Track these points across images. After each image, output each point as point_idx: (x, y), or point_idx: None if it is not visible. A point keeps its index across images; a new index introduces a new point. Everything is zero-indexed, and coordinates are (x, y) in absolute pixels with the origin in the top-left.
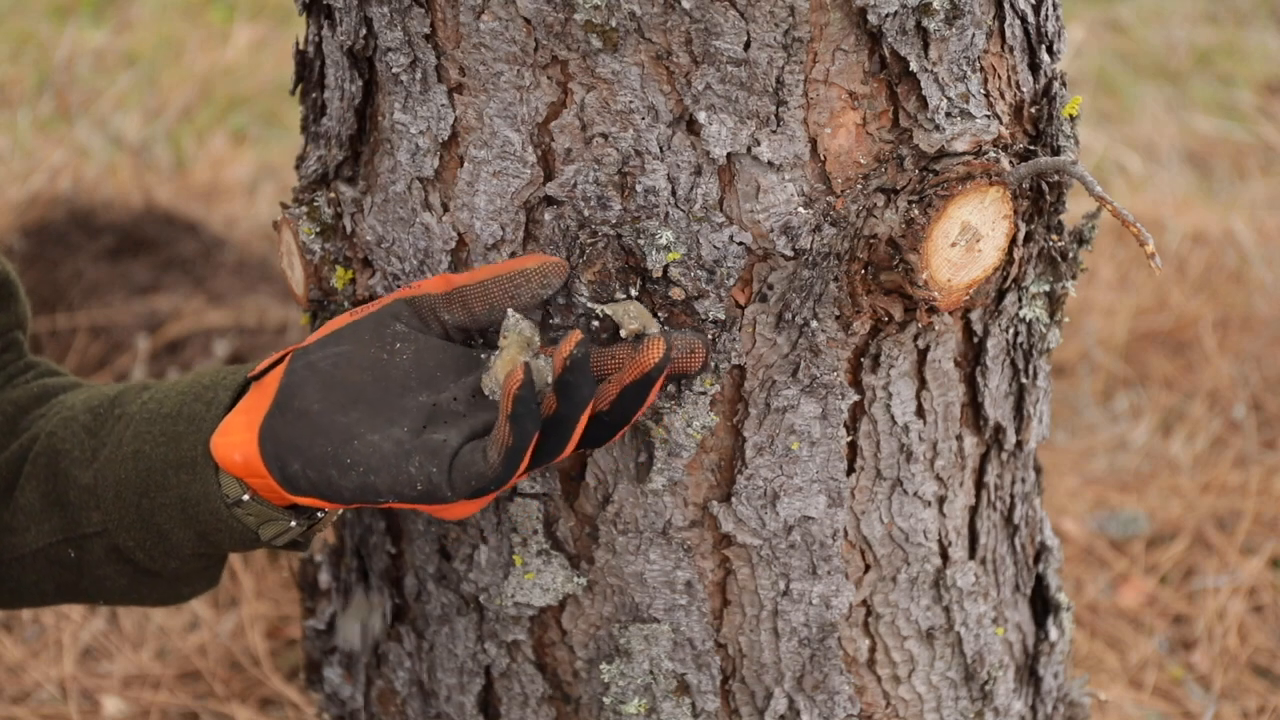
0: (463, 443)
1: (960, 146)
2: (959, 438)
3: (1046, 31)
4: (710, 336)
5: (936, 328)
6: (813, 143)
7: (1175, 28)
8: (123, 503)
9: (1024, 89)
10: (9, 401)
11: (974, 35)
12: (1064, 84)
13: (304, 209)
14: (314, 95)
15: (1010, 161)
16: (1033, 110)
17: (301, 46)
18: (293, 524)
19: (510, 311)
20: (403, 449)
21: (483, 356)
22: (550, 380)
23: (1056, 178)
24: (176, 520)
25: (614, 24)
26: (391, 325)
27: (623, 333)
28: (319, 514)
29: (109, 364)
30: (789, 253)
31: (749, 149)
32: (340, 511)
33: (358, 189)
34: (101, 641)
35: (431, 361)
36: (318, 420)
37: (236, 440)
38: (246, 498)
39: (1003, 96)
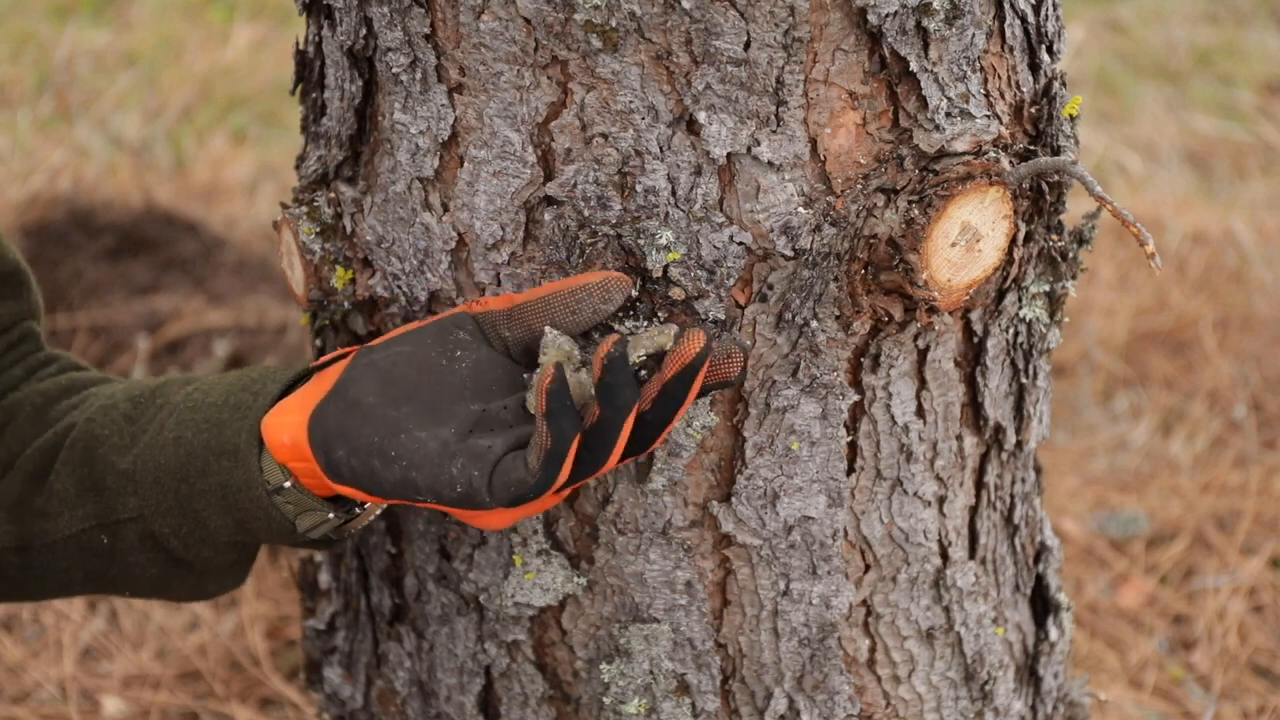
0: (506, 451)
1: (960, 146)
2: (959, 438)
3: (1046, 31)
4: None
5: (936, 328)
6: (813, 143)
7: (1175, 28)
8: (161, 488)
9: (1024, 89)
10: (37, 393)
11: (974, 35)
12: (1064, 84)
13: (304, 209)
14: (314, 95)
15: (1010, 161)
16: (1033, 110)
17: (301, 46)
18: (330, 516)
19: (548, 329)
20: (447, 449)
21: (527, 376)
22: (592, 390)
23: (1056, 178)
24: (215, 507)
25: (614, 24)
26: (454, 333)
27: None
28: (357, 509)
29: (109, 364)
30: (789, 253)
31: (749, 149)
32: (380, 510)
33: (358, 189)
34: (101, 641)
35: (488, 374)
36: (369, 411)
37: (288, 421)
38: (288, 485)
39: (1003, 96)
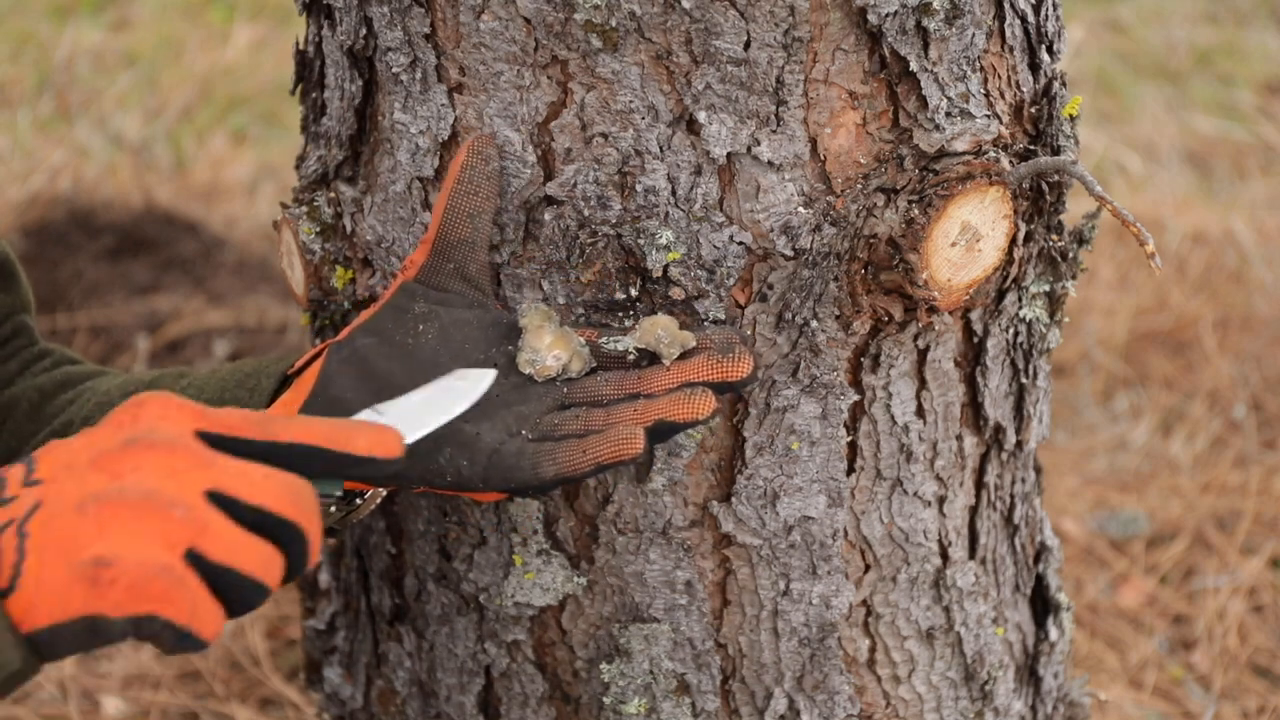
0: (500, 439)
1: (960, 146)
2: (959, 438)
3: (1046, 31)
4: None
5: (936, 328)
6: (813, 142)
7: (1175, 28)
8: None
9: (1024, 89)
10: (33, 389)
11: (974, 35)
12: (1064, 84)
13: (304, 209)
14: (314, 95)
15: (1010, 161)
16: (1033, 110)
17: (301, 46)
18: (331, 509)
19: (527, 304)
20: (431, 436)
21: (510, 321)
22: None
23: (1056, 178)
24: None
25: (614, 24)
26: (410, 308)
27: (665, 361)
28: (358, 500)
29: (109, 364)
30: (789, 253)
31: (749, 149)
32: (380, 500)
33: (358, 189)
34: None
35: (458, 335)
36: (349, 408)
37: None
38: None
39: (1003, 96)
